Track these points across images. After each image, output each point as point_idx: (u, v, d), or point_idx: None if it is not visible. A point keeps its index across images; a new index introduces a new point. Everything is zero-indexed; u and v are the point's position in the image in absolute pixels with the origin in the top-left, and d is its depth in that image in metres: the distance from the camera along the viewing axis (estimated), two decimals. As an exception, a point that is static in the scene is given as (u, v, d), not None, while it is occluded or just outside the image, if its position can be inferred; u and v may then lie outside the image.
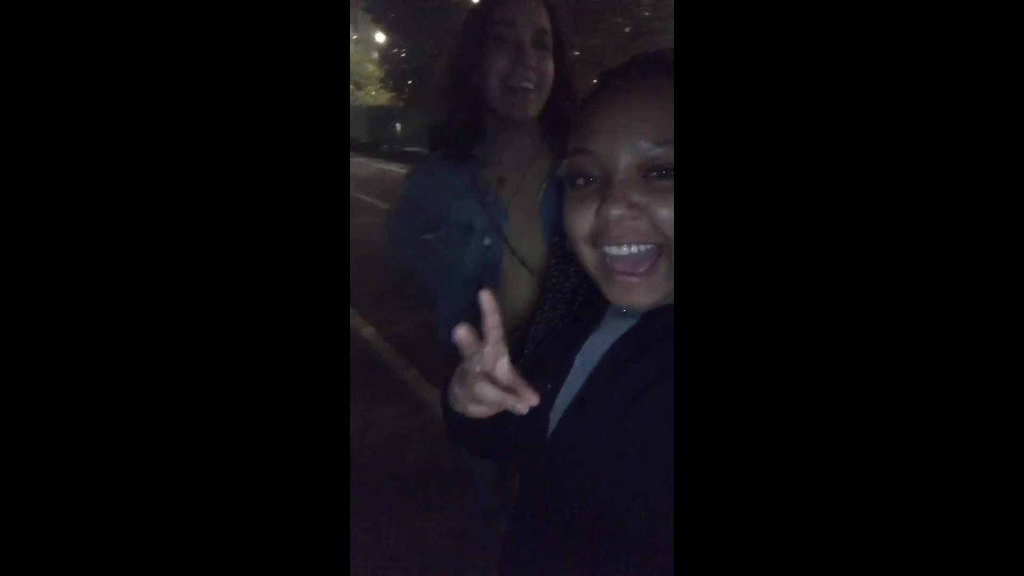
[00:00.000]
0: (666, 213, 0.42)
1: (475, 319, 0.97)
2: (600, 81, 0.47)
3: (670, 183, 0.42)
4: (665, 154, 0.42)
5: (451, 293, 0.97)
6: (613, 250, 0.44)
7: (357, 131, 15.19)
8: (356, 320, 3.09)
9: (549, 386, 0.52)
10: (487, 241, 0.89)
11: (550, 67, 0.84)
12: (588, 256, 0.47)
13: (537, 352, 0.56)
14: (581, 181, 0.45)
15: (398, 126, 12.20)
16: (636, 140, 0.42)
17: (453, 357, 1.06)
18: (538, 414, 0.50)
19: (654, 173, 0.42)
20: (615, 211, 0.42)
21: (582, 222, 0.45)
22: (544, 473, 0.50)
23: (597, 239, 0.45)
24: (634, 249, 0.43)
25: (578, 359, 0.52)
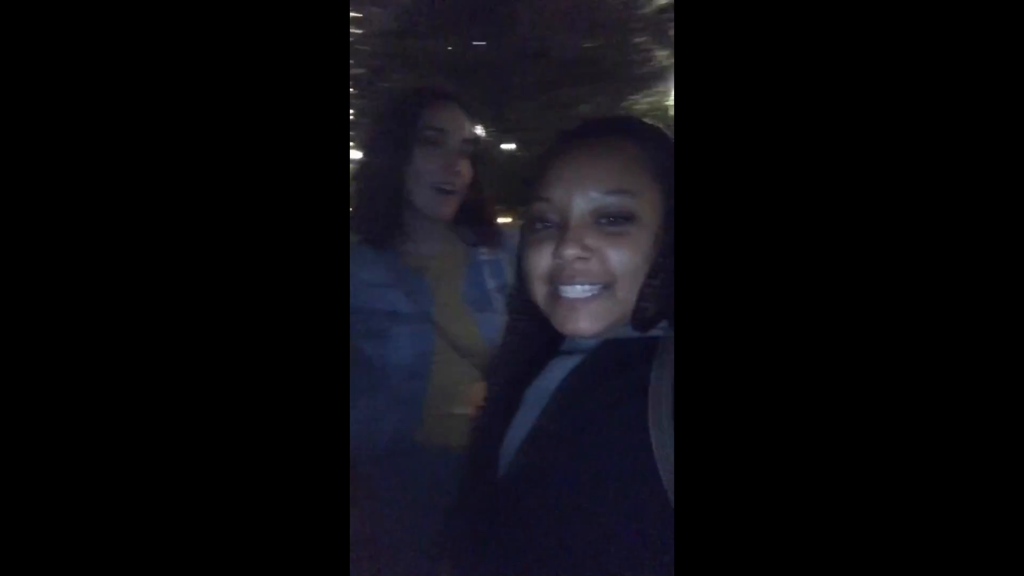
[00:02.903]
0: (615, 255, 0.48)
1: (402, 415, 0.89)
2: (556, 140, 0.56)
3: (619, 229, 0.48)
4: (615, 202, 0.48)
5: (371, 387, 0.89)
6: (566, 290, 0.49)
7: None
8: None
9: (499, 425, 0.55)
10: (417, 329, 0.90)
11: (471, 171, 0.93)
12: (541, 292, 0.52)
13: (493, 392, 0.61)
14: (539, 225, 0.52)
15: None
16: (589, 190, 0.49)
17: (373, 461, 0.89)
18: (489, 453, 0.55)
19: (604, 219, 0.49)
20: (570, 251, 0.48)
21: (540, 261, 0.51)
22: (499, 507, 0.52)
23: (552, 277, 0.50)
24: (584, 288, 0.49)
25: (528, 395, 0.55)
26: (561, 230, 0.49)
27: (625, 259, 0.48)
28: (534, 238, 0.52)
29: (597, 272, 0.48)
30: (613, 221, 0.48)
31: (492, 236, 1.00)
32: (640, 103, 5.08)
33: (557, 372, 0.53)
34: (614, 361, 0.50)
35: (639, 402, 0.45)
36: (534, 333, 0.59)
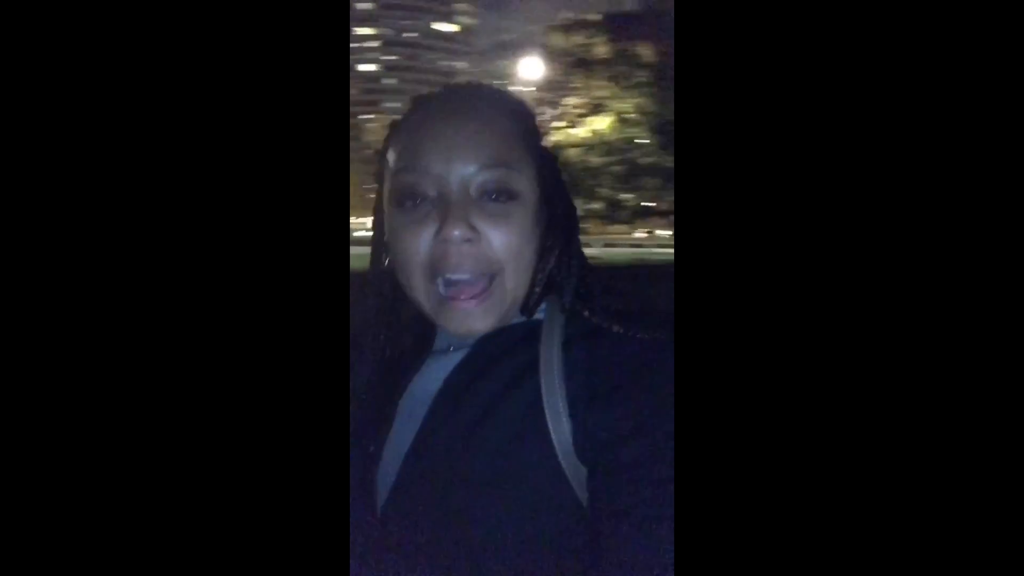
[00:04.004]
0: (501, 238, 0.43)
1: None
2: (415, 105, 0.49)
3: (502, 208, 0.44)
4: (497, 177, 0.43)
5: None
6: (452, 276, 0.43)
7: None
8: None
9: (372, 448, 0.49)
10: None
11: None
12: (422, 287, 0.45)
13: (360, 410, 0.52)
14: (410, 203, 0.44)
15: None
16: (470, 161, 0.43)
17: None
18: (367, 479, 0.48)
19: (486, 196, 0.44)
20: (457, 232, 0.42)
21: (418, 247, 0.44)
22: (389, 530, 0.46)
23: (436, 266, 0.44)
24: (471, 275, 0.44)
25: (403, 405, 0.49)
26: (441, 208, 0.43)
27: (511, 242, 0.44)
28: (405, 218, 0.45)
29: (483, 258, 0.44)
30: (496, 198, 0.44)
31: None
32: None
33: (436, 373, 0.48)
34: (499, 350, 0.46)
35: (532, 386, 0.42)
36: (406, 333, 0.53)
